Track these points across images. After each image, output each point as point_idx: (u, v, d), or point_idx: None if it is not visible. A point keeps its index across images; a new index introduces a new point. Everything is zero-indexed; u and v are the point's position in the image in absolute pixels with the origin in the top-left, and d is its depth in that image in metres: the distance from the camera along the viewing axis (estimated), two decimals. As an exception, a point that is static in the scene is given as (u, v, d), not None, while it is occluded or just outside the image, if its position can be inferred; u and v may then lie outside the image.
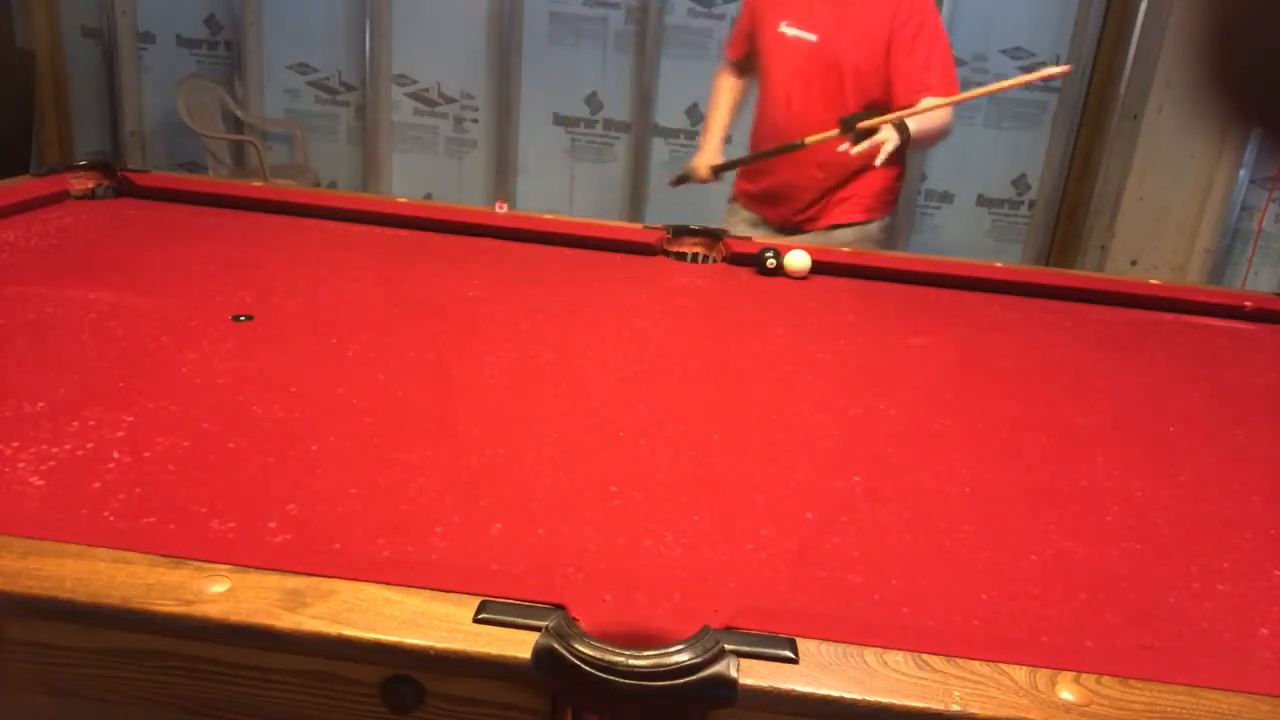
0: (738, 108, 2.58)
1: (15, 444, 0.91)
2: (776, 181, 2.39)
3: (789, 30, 2.30)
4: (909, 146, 2.15)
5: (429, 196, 4.59)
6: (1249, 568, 0.89)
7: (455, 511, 0.86)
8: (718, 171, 2.48)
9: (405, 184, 4.66)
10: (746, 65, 2.50)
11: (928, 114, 2.15)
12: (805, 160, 2.27)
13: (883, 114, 2.12)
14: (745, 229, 2.38)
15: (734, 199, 2.55)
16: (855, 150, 2.07)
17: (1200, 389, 1.39)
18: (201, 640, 0.68)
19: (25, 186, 1.75)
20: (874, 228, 2.35)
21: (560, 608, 0.69)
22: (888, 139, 2.06)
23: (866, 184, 2.30)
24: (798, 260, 1.78)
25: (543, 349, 1.30)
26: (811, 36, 2.27)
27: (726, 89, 2.56)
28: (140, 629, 0.68)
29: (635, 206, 4.54)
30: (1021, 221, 4.51)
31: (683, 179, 2.60)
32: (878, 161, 2.07)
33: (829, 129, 2.18)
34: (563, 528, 0.85)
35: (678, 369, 1.29)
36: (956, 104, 2.20)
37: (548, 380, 1.20)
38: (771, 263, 1.78)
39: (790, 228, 2.39)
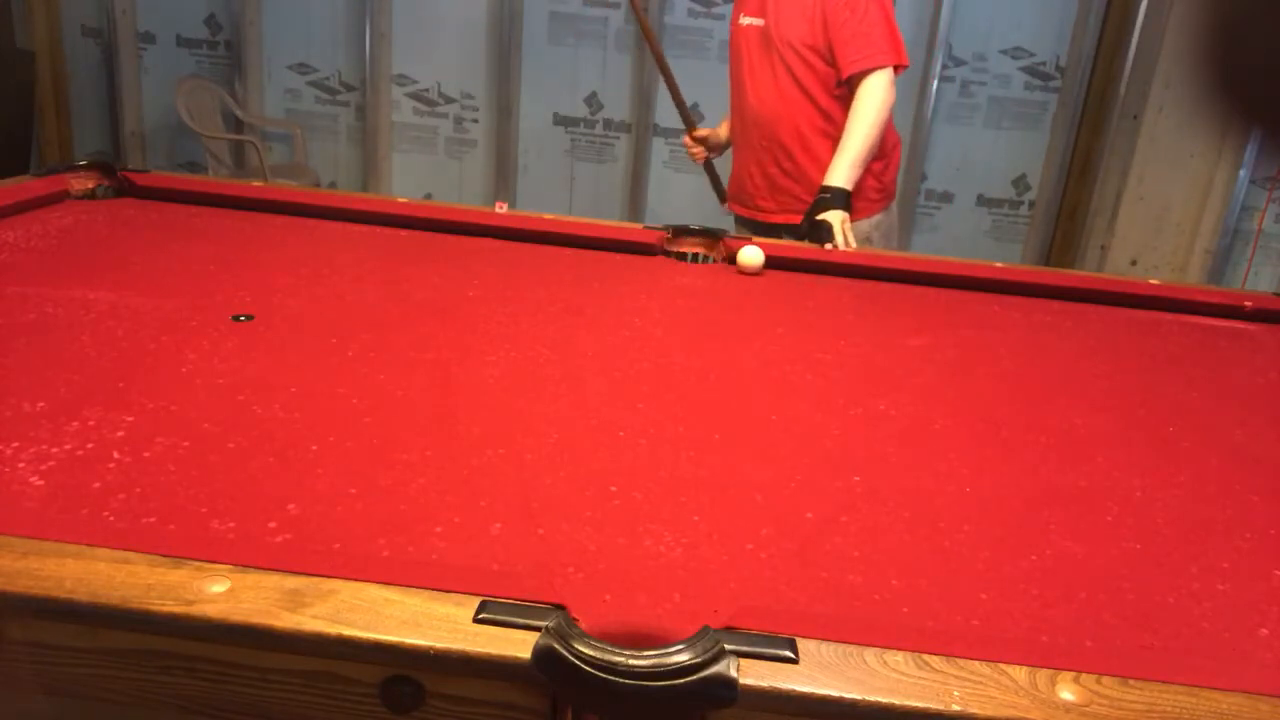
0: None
1: (15, 444, 0.91)
2: (742, 170, 2.44)
3: (744, 20, 2.36)
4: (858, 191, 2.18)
5: (429, 196, 4.59)
6: (1249, 568, 0.89)
7: (455, 511, 0.86)
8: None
9: (405, 184, 4.66)
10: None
11: (855, 139, 2.16)
12: (763, 145, 2.35)
13: (821, 198, 2.15)
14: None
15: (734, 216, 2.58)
16: (841, 248, 2.05)
17: (1200, 389, 1.39)
18: (201, 640, 0.68)
19: (25, 186, 1.75)
20: (863, 226, 2.34)
21: (560, 608, 0.69)
22: (833, 222, 2.09)
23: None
24: (750, 256, 1.78)
25: (543, 349, 1.30)
26: (759, 21, 2.30)
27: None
28: (140, 629, 0.68)
29: (635, 206, 4.54)
30: (1021, 221, 4.51)
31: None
32: (843, 245, 2.06)
33: (791, 107, 2.26)
34: (563, 528, 0.85)
35: (678, 369, 1.28)
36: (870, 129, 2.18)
37: (548, 380, 1.20)
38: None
39: (769, 223, 2.40)
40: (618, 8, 4.34)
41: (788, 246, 1.95)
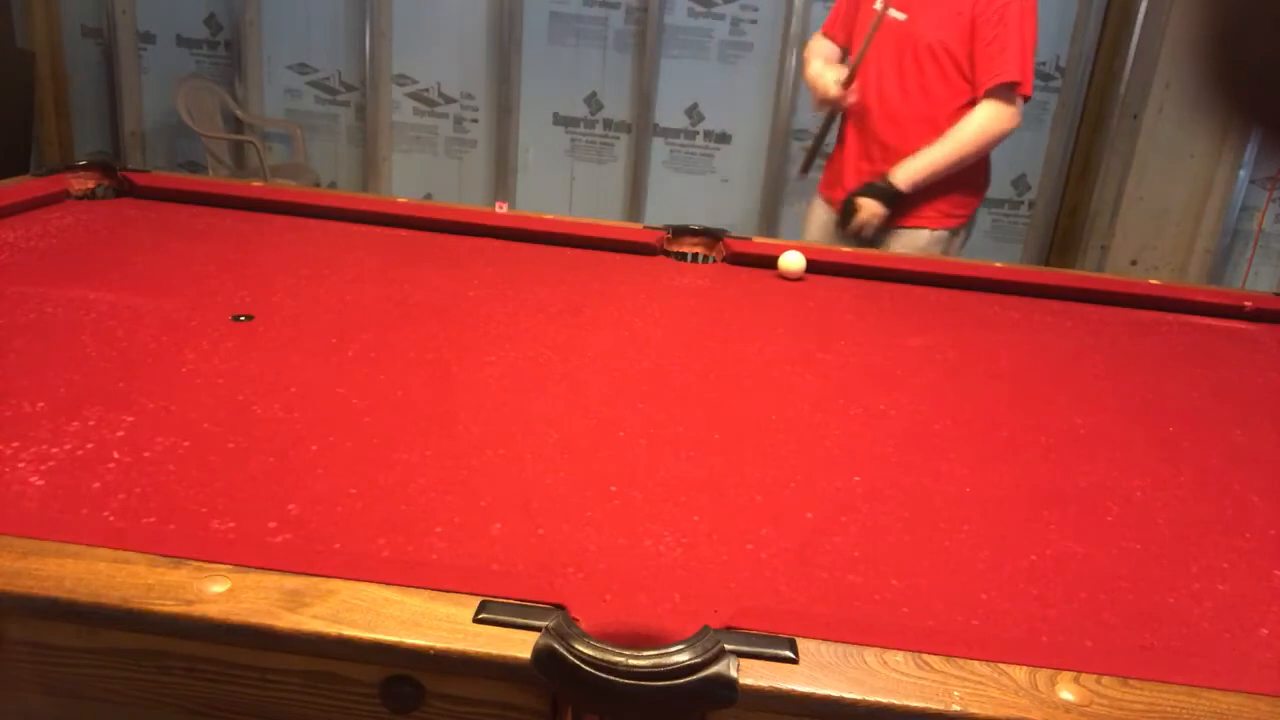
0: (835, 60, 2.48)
1: (15, 444, 0.91)
2: (847, 163, 2.37)
3: (890, 11, 2.26)
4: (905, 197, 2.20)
5: (429, 196, 4.59)
6: (1249, 568, 0.90)
7: (455, 511, 0.86)
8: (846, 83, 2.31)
9: (405, 184, 4.66)
10: (837, 43, 2.45)
11: (942, 148, 2.16)
12: (869, 139, 2.30)
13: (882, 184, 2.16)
14: (816, 232, 2.41)
15: (818, 193, 2.52)
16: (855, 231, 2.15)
17: (1200, 389, 1.39)
18: (201, 640, 0.68)
19: (25, 186, 1.75)
20: (923, 237, 2.29)
21: (560, 608, 0.69)
22: (863, 207, 2.14)
23: (924, 192, 2.26)
24: (791, 261, 1.78)
25: (543, 349, 1.30)
26: (901, 16, 2.23)
27: (818, 48, 2.45)
28: (140, 629, 0.68)
29: (635, 206, 4.54)
30: (1021, 221, 4.51)
31: (827, 121, 2.47)
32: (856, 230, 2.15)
33: (909, 112, 2.21)
34: (563, 528, 0.85)
35: (677, 369, 1.28)
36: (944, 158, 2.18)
37: (548, 380, 1.20)
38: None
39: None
40: (617, 8, 4.33)
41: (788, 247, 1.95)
